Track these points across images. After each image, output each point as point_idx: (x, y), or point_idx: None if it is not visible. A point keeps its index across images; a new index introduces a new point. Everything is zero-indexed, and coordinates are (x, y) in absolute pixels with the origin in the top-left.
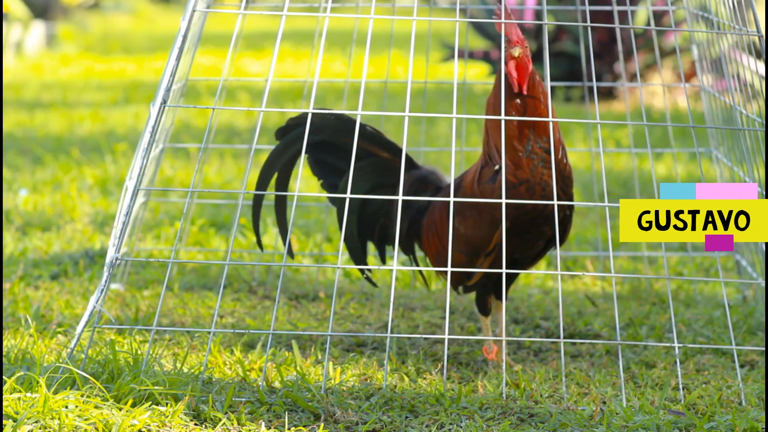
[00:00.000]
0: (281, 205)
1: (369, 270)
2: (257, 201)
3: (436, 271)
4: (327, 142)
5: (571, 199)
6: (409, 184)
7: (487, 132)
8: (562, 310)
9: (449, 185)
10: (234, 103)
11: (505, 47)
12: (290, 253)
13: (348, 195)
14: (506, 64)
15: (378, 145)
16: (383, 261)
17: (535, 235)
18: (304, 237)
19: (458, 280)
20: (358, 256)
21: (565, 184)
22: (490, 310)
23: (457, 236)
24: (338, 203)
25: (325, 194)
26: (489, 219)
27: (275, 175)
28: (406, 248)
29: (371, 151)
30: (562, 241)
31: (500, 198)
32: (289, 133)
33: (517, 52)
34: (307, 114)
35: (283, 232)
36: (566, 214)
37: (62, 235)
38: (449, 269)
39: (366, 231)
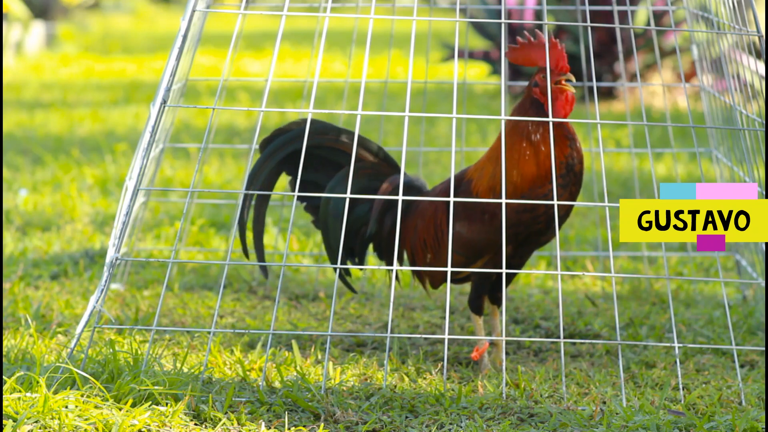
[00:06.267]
0: (261, 210)
1: (349, 275)
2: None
3: (414, 273)
4: (307, 152)
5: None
6: (396, 190)
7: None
8: (562, 310)
9: (444, 183)
10: (234, 103)
11: (551, 77)
12: (265, 274)
13: (348, 195)
14: (553, 93)
15: (365, 149)
16: (363, 263)
17: (533, 245)
18: (304, 237)
19: (445, 278)
20: (335, 260)
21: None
22: (483, 310)
23: (458, 239)
24: (324, 214)
25: (325, 194)
26: (498, 224)
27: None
28: (385, 252)
29: (358, 156)
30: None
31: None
32: (271, 142)
33: (571, 84)
34: (293, 122)
35: (260, 252)
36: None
37: (62, 235)
38: (448, 269)
39: (348, 239)
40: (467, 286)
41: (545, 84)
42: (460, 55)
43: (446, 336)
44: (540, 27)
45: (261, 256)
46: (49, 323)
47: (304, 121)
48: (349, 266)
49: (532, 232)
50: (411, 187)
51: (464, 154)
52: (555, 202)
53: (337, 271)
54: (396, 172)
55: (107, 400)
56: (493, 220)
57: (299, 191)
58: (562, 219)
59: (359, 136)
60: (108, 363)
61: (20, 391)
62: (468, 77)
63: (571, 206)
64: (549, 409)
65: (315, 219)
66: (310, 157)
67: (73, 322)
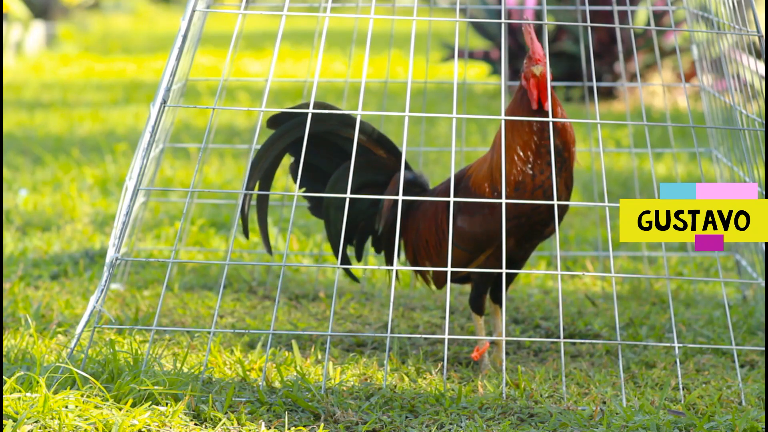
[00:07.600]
0: (263, 201)
1: (349, 263)
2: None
3: (416, 271)
4: (315, 136)
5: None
6: (398, 185)
7: (495, 145)
8: (562, 310)
9: (446, 182)
10: (234, 103)
11: (526, 63)
12: (269, 249)
13: (349, 195)
14: (527, 81)
15: (374, 141)
16: (359, 260)
17: (536, 238)
18: (304, 237)
19: (447, 277)
20: (338, 255)
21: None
22: (484, 309)
23: (461, 234)
24: (326, 204)
25: (326, 194)
26: (499, 217)
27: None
28: (384, 247)
29: (366, 147)
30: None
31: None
32: (283, 123)
33: (538, 70)
34: (303, 105)
35: (263, 227)
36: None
37: (62, 235)
38: (448, 268)
39: (347, 230)
40: (468, 286)
41: (528, 71)
42: (460, 55)
43: (446, 336)
44: (540, 27)
45: (265, 234)
46: (49, 323)
47: (318, 103)
48: (350, 266)
49: (534, 223)
50: (414, 184)
51: (464, 154)
52: (555, 202)
53: (338, 270)
54: (400, 164)
55: (107, 400)
56: (494, 212)
57: (302, 172)
58: (562, 209)
59: (371, 127)
60: (108, 363)
61: (20, 391)
62: (468, 77)
63: (569, 195)
64: (549, 409)
65: (312, 206)
66: (319, 141)
67: (73, 322)
